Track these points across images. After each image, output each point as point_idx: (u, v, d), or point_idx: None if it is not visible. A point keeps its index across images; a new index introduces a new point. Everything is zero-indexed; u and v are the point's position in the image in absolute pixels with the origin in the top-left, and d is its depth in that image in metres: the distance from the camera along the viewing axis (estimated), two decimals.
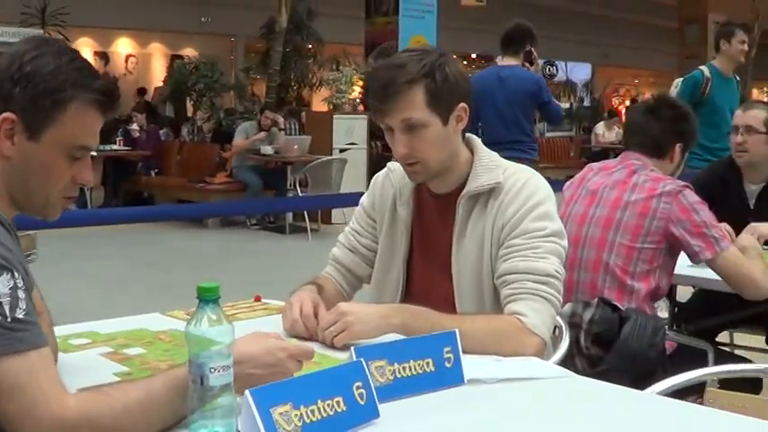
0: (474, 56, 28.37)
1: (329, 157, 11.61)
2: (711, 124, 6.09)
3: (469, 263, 2.44)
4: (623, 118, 18.47)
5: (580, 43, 26.00)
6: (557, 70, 22.64)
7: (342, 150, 12.09)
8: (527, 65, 6.56)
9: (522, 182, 2.42)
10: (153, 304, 2.81)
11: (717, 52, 7.03)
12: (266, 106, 13.96)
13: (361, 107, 13.57)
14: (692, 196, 3.24)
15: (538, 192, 2.41)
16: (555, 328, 2.52)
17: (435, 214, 2.54)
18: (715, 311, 3.84)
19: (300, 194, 11.26)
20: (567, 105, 24.33)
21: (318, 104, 17.25)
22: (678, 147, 3.50)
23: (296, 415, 1.52)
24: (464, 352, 1.96)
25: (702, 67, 6.97)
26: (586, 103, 27.52)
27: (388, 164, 2.68)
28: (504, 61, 6.73)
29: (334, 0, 17.93)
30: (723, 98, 6.69)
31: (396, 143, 2.39)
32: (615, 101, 30.34)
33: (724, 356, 3.80)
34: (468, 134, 2.52)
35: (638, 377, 2.58)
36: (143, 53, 21.75)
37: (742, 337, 4.49)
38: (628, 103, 29.88)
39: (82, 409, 1.53)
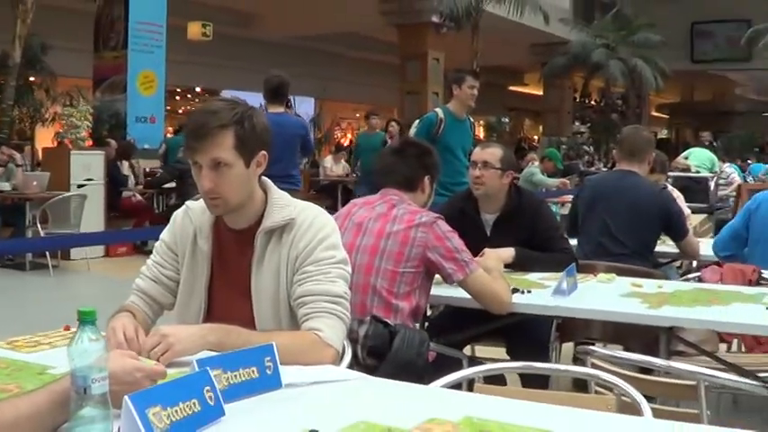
0: (199, 89, 28.53)
1: (69, 194, 11.56)
2: (445, 161, 6.65)
3: (267, 289, 2.81)
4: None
5: (304, 78, 26.72)
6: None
7: (80, 186, 12.06)
8: (288, 110, 7.71)
9: (312, 218, 2.82)
10: None
11: (450, 96, 7.74)
12: (1, 141, 13.72)
13: (89, 142, 13.58)
14: (444, 226, 3.76)
15: (326, 226, 2.82)
16: None
17: (234, 246, 2.89)
18: (462, 326, 4.37)
19: (41, 231, 11.12)
20: None
21: (48, 139, 16.94)
22: (427, 179, 4.04)
23: (165, 415, 1.85)
24: None
25: (437, 110, 7.70)
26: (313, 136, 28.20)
27: (187, 202, 3.02)
28: (272, 109, 7.68)
29: (67, 34, 17.68)
30: (456, 138, 7.41)
31: (202, 179, 2.73)
32: (338, 134, 31.30)
33: (476, 362, 4.34)
34: (262, 176, 2.89)
35: (409, 383, 3.02)
36: None
37: (485, 350, 5.08)
38: (349, 136, 30.90)
39: None
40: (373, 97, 30.45)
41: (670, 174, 14.51)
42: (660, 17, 31.79)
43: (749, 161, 25.93)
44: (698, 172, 16.21)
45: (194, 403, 1.94)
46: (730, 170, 19.03)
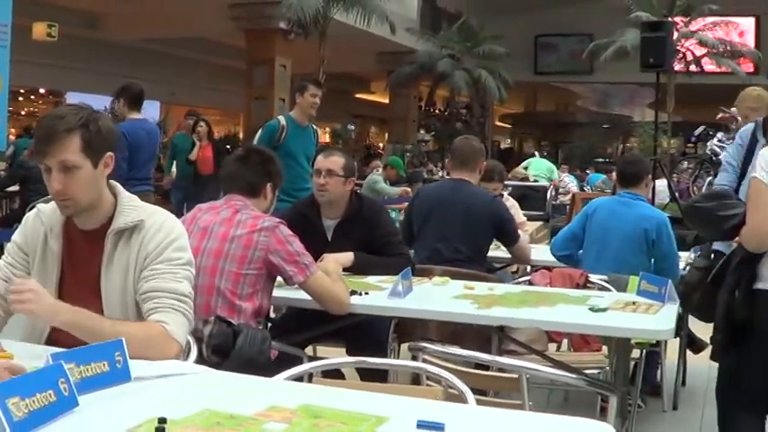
0: (43, 90, 27.97)
1: None
2: (288, 168, 6.78)
3: (116, 288, 2.95)
4: None
5: (150, 82, 26.43)
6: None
7: None
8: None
9: (161, 221, 2.98)
10: None
11: (294, 104, 7.94)
12: None
13: None
14: (285, 230, 3.96)
15: (175, 229, 2.99)
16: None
17: (85, 247, 3.02)
18: (304, 326, 4.57)
19: None
20: None
21: None
22: (269, 186, 4.24)
23: (23, 405, 2.00)
24: None
25: (280, 117, 7.89)
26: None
27: (38, 205, 3.15)
28: (133, 115, 7.89)
29: None
30: (299, 145, 7.60)
31: (52, 181, 2.86)
32: None
33: (316, 360, 4.54)
34: (111, 180, 3.04)
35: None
36: None
37: (326, 350, 5.30)
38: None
39: None
40: (221, 102, 30.41)
41: (510, 183, 15.08)
42: (505, 29, 32.59)
43: (588, 171, 26.84)
44: (536, 181, 16.85)
45: (50, 394, 2.09)
46: (568, 179, 19.82)
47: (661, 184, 15.21)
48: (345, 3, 21.87)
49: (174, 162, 13.17)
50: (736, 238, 3.86)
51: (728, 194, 4.03)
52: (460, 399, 2.69)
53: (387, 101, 34.59)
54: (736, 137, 4.42)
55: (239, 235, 3.91)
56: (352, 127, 35.00)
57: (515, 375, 3.19)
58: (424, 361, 3.24)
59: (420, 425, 2.10)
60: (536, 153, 25.44)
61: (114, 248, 2.97)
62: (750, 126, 4.49)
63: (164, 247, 2.93)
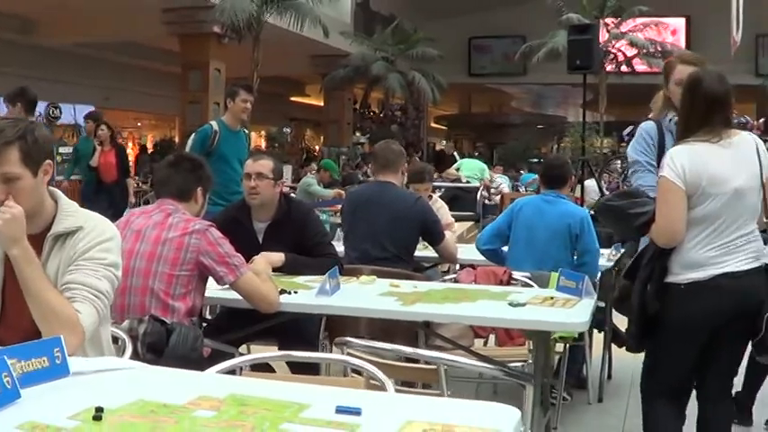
0: None
1: None
2: (221, 172, 6.93)
3: None
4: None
5: (85, 86, 26.26)
6: (60, 113, 22.91)
7: None
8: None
9: (95, 225, 3.13)
10: None
11: (226, 109, 8.09)
12: None
13: None
14: (216, 233, 4.13)
15: (107, 232, 3.14)
16: (118, 340, 3.27)
17: None
18: (236, 325, 4.73)
19: None
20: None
21: None
22: (200, 190, 4.42)
23: None
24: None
25: (212, 122, 8.03)
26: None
27: None
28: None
29: None
30: (231, 149, 7.73)
31: None
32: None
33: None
34: (50, 187, 3.18)
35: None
36: None
37: (259, 348, 5.45)
38: (131, 145, 30.57)
39: None
40: (156, 106, 30.28)
41: (441, 184, 15.34)
42: (439, 32, 32.90)
43: (522, 171, 27.16)
44: (468, 182, 17.12)
45: None
46: (500, 180, 20.12)
47: (590, 183, 15.58)
48: (279, 7, 21.95)
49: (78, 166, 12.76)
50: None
51: (639, 193, 4.25)
52: (381, 389, 2.88)
53: (322, 104, 34.67)
54: (645, 136, 4.59)
55: (171, 238, 4.07)
56: (288, 130, 34.96)
57: (434, 367, 3.39)
58: (349, 355, 3.43)
59: (339, 410, 2.29)
60: (455, 153, 25.70)
61: (51, 251, 3.10)
62: (653, 124, 4.67)
63: (91, 246, 3.07)
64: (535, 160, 29.55)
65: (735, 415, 4.88)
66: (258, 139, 32.26)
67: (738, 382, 4.91)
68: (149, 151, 31.27)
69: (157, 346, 3.66)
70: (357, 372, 3.22)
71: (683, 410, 4.15)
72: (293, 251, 5.03)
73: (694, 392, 4.21)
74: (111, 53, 26.77)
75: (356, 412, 2.28)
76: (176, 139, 27.95)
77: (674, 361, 4.07)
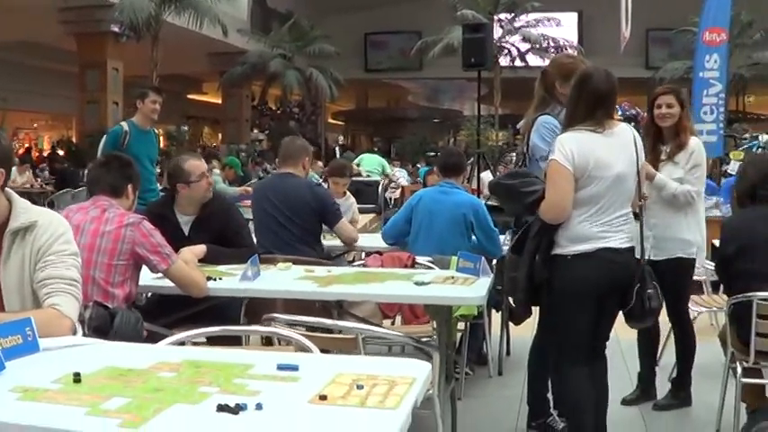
0: None
1: None
2: None
3: (14, 283, 3.43)
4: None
5: None
6: None
7: None
8: None
9: (49, 220, 3.49)
10: None
11: (135, 109, 8.42)
12: None
13: None
14: (148, 225, 4.55)
15: (61, 225, 3.51)
16: None
17: None
18: (169, 310, 5.11)
19: None
20: None
21: None
22: (130, 187, 4.83)
23: None
24: None
25: (122, 123, 8.37)
26: None
27: None
28: None
29: None
30: (142, 148, 8.07)
31: None
32: (16, 145, 30.55)
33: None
34: (6, 189, 3.53)
35: None
36: None
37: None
38: (26, 145, 30.27)
39: None
40: (54, 106, 30.04)
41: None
42: (335, 28, 33.37)
43: (419, 165, 27.70)
44: (369, 176, 17.64)
45: None
46: (399, 173, 20.69)
47: (486, 176, 16.19)
48: (177, 6, 22.13)
49: None
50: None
51: (529, 174, 4.79)
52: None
53: (220, 101, 34.81)
54: (554, 128, 5.07)
55: (108, 231, 4.47)
56: (186, 128, 34.96)
57: (353, 336, 3.85)
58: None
59: (280, 366, 2.76)
60: (337, 149, 26.24)
61: (10, 248, 3.44)
62: (553, 118, 5.18)
63: (52, 241, 3.43)
64: (432, 154, 30.15)
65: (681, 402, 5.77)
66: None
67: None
68: (46, 153, 30.99)
69: (103, 329, 4.03)
70: (284, 341, 3.66)
71: (589, 369, 4.61)
72: (215, 242, 5.45)
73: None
74: (6, 53, 26.48)
75: (294, 368, 2.74)
76: (74, 140, 27.86)
77: (570, 323, 4.58)
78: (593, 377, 4.63)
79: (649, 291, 4.54)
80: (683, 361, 5.84)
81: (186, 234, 5.58)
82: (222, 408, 2.35)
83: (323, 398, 2.46)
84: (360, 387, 2.55)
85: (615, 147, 4.48)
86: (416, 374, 2.70)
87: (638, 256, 4.66)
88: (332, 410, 2.39)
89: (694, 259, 5.70)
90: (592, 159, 4.39)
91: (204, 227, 5.58)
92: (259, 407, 2.38)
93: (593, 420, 4.60)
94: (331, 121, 46.40)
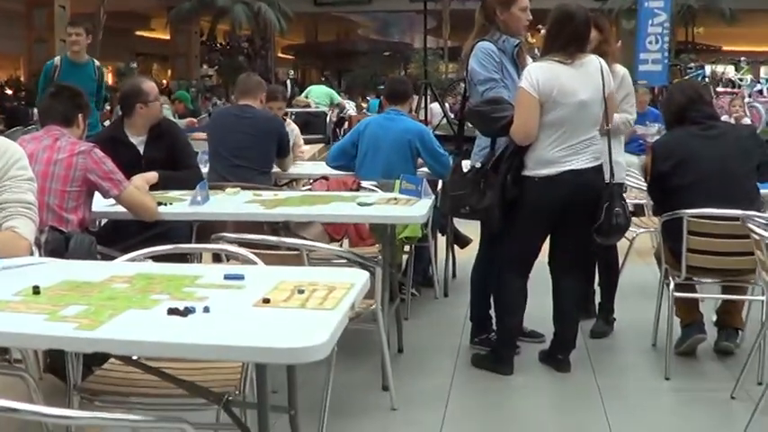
0: None
1: None
2: None
3: None
4: None
5: None
6: None
7: None
8: None
9: (5, 147, 3.62)
10: None
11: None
12: None
13: None
14: (99, 153, 4.71)
15: (17, 152, 3.63)
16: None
17: None
18: (123, 235, 5.27)
19: None
20: None
21: None
22: (80, 116, 4.99)
23: None
24: None
25: (56, 57, 8.54)
26: None
27: None
28: None
29: None
30: (73, 82, 8.13)
31: None
32: None
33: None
34: None
35: None
36: None
37: None
38: None
39: None
40: (2, 47, 29.60)
41: (292, 110, 15.91)
42: None
43: (369, 98, 27.82)
44: (317, 107, 17.77)
45: None
46: (349, 105, 20.85)
47: (434, 106, 16.37)
48: None
49: None
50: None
51: (501, 101, 5.15)
52: None
53: (168, 37, 34.59)
54: (493, 54, 5.29)
55: (61, 159, 4.61)
56: (135, 65, 34.78)
57: (298, 252, 4.05)
58: None
59: (227, 276, 2.97)
60: (288, 83, 26.30)
61: None
62: (492, 45, 5.38)
63: (8, 167, 3.57)
64: (382, 87, 30.22)
65: (605, 328, 6.04)
66: (106, 75, 31.99)
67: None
68: None
69: (58, 252, 4.18)
70: (232, 258, 3.85)
71: (525, 282, 5.20)
72: (167, 159, 5.72)
73: None
74: None
75: (240, 278, 2.95)
76: (22, 79, 27.64)
77: (527, 238, 5.12)
78: (563, 288, 5.25)
79: (617, 209, 5.01)
80: (612, 285, 6.13)
81: (141, 152, 5.77)
82: (172, 311, 2.56)
83: (266, 301, 2.67)
84: (301, 292, 2.76)
85: (580, 76, 4.94)
86: (355, 281, 2.92)
87: (607, 177, 5.10)
88: (274, 312, 2.61)
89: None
90: (556, 87, 4.87)
91: (156, 145, 5.78)
92: (207, 310, 2.59)
93: (519, 324, 5.35)
94: (281, 55, 46.22)
